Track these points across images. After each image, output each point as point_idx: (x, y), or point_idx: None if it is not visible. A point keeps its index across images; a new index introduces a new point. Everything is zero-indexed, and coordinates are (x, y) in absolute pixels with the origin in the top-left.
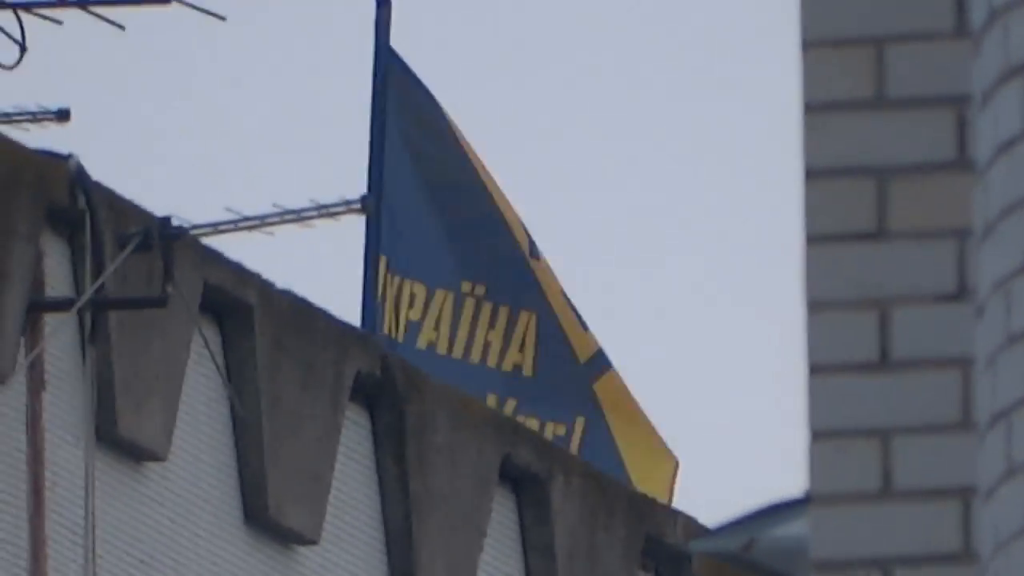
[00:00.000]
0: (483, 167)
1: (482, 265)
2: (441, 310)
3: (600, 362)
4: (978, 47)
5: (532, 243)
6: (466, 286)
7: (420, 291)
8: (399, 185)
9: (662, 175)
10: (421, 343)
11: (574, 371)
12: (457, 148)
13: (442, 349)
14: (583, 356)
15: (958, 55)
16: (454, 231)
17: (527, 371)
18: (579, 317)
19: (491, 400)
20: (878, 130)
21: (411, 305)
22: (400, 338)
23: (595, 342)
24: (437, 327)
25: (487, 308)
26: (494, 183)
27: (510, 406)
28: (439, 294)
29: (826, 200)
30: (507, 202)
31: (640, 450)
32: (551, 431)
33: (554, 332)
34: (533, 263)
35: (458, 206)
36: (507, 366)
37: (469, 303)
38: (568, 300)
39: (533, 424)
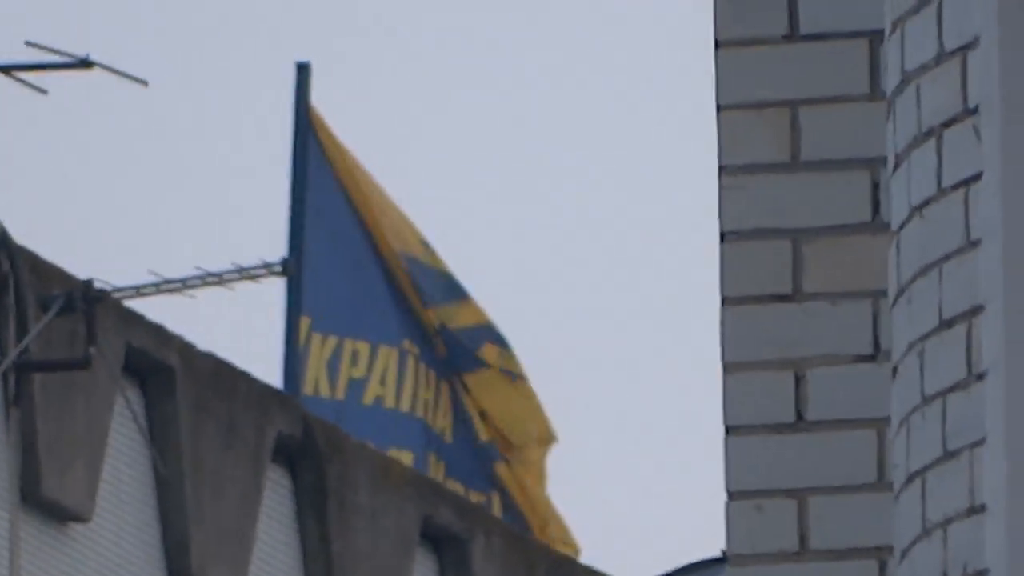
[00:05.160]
0: (388, 243)
1: (412, 327)
2: (387, 366)
3: (494, 449)
4: (891, 110)
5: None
6: (407, 344)
7: (364, 349)
8: (324, 245)
9: (583, 240)
10: (367, 399)
11: (479, 449)
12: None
13: (390, 403)
14: (484, 436)
15: (871, 118)
16: (383, 291)
17: (447, 438)
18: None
19: (431, 459)
20: (793, 192)
21: (354, 363)
22: (341, 396)
23: (492, 427)
24: (383, 383)
25: (423, 368)
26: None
27: (440, 468)
28: (383, 351)
29: (742, 262)
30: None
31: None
32: (474, 499)
33: (461, 408)
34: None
35: (378, 271)
36: (436, 428)
37: (411, 360)
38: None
39: (458, 489)
